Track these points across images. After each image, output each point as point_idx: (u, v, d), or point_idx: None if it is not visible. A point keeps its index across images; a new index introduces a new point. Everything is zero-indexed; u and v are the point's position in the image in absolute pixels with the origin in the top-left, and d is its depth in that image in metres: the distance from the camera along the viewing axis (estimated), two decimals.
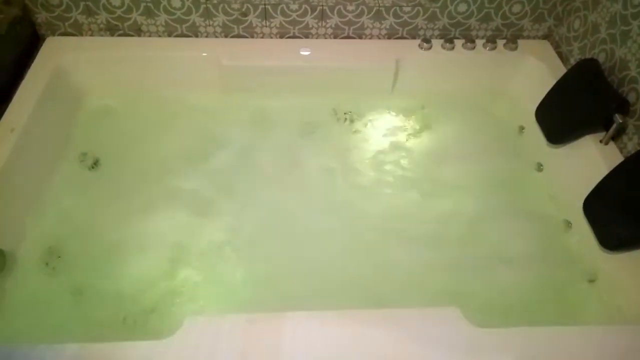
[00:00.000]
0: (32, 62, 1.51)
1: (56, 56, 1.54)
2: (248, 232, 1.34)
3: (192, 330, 0.95)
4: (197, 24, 1.63)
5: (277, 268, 1.27)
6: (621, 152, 1.36)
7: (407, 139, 1.62)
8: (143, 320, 1.14)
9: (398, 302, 1.20)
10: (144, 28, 1.63)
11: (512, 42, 1.69)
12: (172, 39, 1.66)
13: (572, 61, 1.61)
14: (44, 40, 1.60)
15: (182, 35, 1.66)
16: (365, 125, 1.66)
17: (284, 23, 1.65)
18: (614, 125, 1.32)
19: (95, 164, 1.47)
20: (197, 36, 1.67)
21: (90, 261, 1.24)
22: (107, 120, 1.59)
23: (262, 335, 0.95)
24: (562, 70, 1.60)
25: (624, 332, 1.00)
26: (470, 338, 0.97)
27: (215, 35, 1.67)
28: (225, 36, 1.67)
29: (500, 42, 1.70)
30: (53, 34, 1.62)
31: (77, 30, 1.62)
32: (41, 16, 1.57)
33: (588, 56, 1.53)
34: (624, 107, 1.34)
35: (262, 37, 1.69)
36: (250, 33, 1.68)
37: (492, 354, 0.95)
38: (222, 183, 1.45)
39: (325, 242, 1.32)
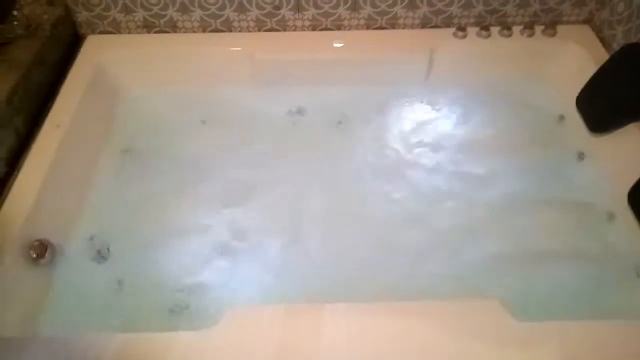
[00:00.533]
0: (74, 60, 1.56)
1: (97, 54, 1.59)
2: (291, 221, 1.35)
3: (233, 321, 0.97)
4: (231, 18, 1.65)
5: (327, 256, 1.27)
6: None
7: (440, 130, 1.59)
8: (187, 310, 1.17)
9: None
10: (179, 24, 1.66)
11: (551, 28, 1.64)
12: (206, 34, 1.68)
13: (615, 46, 1.55)
14: (84, 39, 1.65)
15: (216, 30, 1.68)
16: (401, 116, 1.64)
17: (316, 15, 1.65)
18: None
19: (134, 160, 1.51)
20: (230, 31, 1.69)
21: (135, 251, 1.28)
22: (146, 115, 1.63)
23: (301, 326, 0.97)
24: (604, 56, 1.54)
25: None
26: (510, 331, 0.96)
27: (248, 29, 1.68)
28: (259, 30, 1.69)
29: (539, 29, 1.65)
30: (93, 33, 1.67)
31: (116, 28, 1.67)
32: (81, 15, 1.62)
33: (633, 40, 1.47)
34: None
35: (294, 30, 1.69)
36: (283, 26, 1.68)
37: (532, 347, 0.93)
38: (259, 175, 1.46)
39: (366, 232, 1.33)
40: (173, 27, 1.67)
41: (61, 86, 1.47)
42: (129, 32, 1.68)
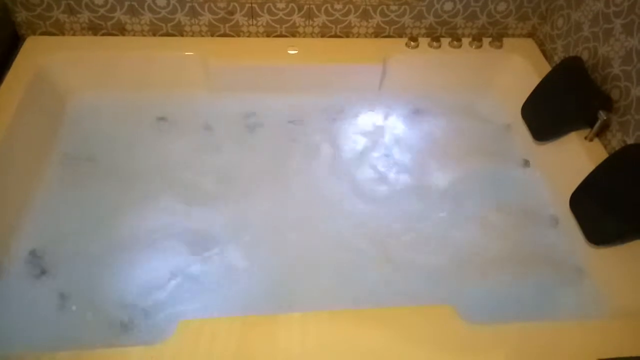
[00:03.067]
0: (12, 62, 1.47)
1: (37, 56, 1.50)
2: (241, 230, 1.33)
3: (186, 334, 0.93)
4: (183, 22, 1.61)
5: (275, 265, 1.26)
6: (605, 148, 1.38)
7: (393, 137, 1.62)
8: (136, 324, 1.12)
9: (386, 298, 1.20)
10: (128, 27, 1.60)
11: (498, 40, 1.71)
12: (157, 38, 1.63)
13: (557, 59, 1.64)
14: (24, 40, 1.56)
15: (167, 34, 1.64)
16: (354, 123, 1.66)
17: (270, 22, 1.64)
18: (598, 122, 1.34)
19: (79, 165, 1.44)
20: (182, 35, 1.65)
21: (79, 264, 1.21)
22: (91, 121, 1.56)
23: (257, 337, 0.95)
24: (546, 68, 1.62)
25: (612, 326, 1.02)
26: (465, 335, 0.98)
27: (201, 34, 1.65)
28: (212, 35, 1.66)
29: (486, 41, 1.72)
30: (34, 34, 1.58)
31: (59, 29, 1.58)
32: (21, 15, 1.53)
33: (572, 54, 1.56)
34: (607, 104, 1.36)
35: (248, 36, 1.68)
36: (236, 32, 1.66)
37: (486, 351, 0.96)
38: (212, 183, 1.43)
39: (311, 237, 1.32)
40: (121, 30, 1.61)
41: None
42: (74, 34, 1.60)
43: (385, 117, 1.68)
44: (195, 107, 1.63)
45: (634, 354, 0.94)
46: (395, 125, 1.66)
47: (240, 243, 1.30)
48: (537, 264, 1.30)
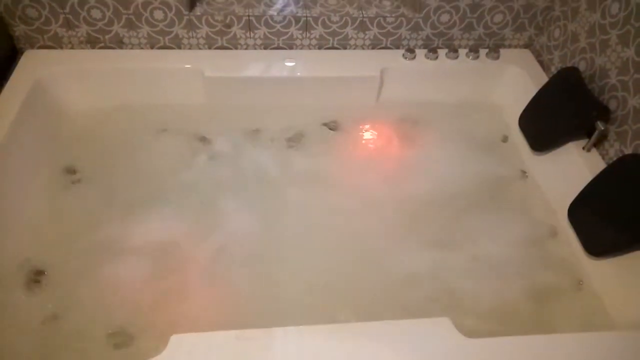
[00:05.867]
0: (10, 76, 1.48)
1: (35, 70, 1.51)
2: (235, 242, 1.32)
3: (179, 350, 0.92)
4: (180, 35, 1.62)
5: (268, 278, 1.25)
6: (603, 158, 1.37)
7: (389, 149, 1.62)
8: (129, 339, 1.11)
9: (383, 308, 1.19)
10: (125, 40, 1.61)
11: (494, 51, 1.71)
12: (154, 51, 1.64)
13: (553, 70, 1.64)
14: (22, 53, 1.57)
15: (165, 47, 1.64)
16: (352, 134, 1.65)
17: (268, 34, 1.65)
18: (596, 133, 1.34)
19: (79, 179, 1.44)
20: (180, 48, 1.65)
21: (71, 277, 1.21)
22: (89, 134, 1.56)
23: (251, 351, 0.93)
24: (543, 78, 1.62)
25: (611, 338, 1.01)
26: (461, 348, 0.96)
27: (198, 47, 1.66)
28: (209, 48, 1.66)
29: (483, 52, 1.72)
30: (32, 47, 1.59)
31: (57, 43, 1.59)
32: (19, 29, 1.54)
33: (569, 65, 1.56)
34: (605, 114, 1.36)
35: (246, 49, 1.68)
36: (234, 45, 1.67)
37: None
38: (209, 195, 1.43)
39: (312, 252, 1.31)
40: (119, 43, 1.62)
41: None
42: (72, 48, 1.61)
43: (383, 128, 1.68)
44: (194, 118, 1.63)
45: None
46: (392, 135, 1.66)
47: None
48: (535, 274, 1.28)
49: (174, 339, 0.93)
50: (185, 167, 1.50)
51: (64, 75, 1.55)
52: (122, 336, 1.12)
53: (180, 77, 1.62)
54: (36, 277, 1.20)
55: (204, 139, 1.58)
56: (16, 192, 1.32)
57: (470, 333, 0.98)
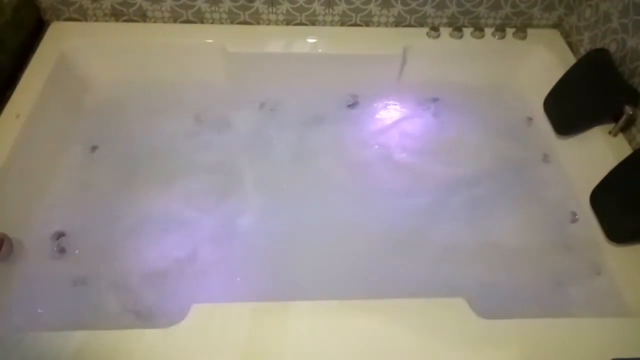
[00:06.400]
0: (37, 47, 1.50)
1: (61, 41, 1.53)
2: (257, 217, 1.34)
3: (198, 319, 0.95)
4: (203, 10, 1.61)
5: (292, 249, 1.27)
6: (630, 144, 1.34)
7: (414, 128, 1.61)
8: (152, 308, 1.15)
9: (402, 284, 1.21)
10: (149, 14, 1.62)
11: (522, 31, 1.67)
12: (177, 25, 1.64)
13: (582, 51, 1.59)
14: (48, 25, 1.59)
15: (188, 21, 1.64)
16: (372, 113, 1.65)
17: (290, 10, 1.63)
18: (624, 117, 1.31)
19: (100, 151, 1.47)
20: (202, 22, 1.65)
21: (99, 247, 1.25)
22: (113, 106, 1.58)
23: (268, 323, 0.96)
24: (571, 60, 1.57)
25: (628, 325, 1.00)
26: (476, 329, 0.97)
27: (221, 21, 1.65)
28: (231, 23, 1.66)
29: (510, 31, 1.68)
30: (58, 19, 1.61)
31: (82, 15, 1.61)
32: (46, 1, 1.56)
33: (599, 46, 1.51)
34: (635, 98, 1.32)
35: (268, 24, 1.67)
36: (256, 20, 1.66)
37: (497, 345, 0.95)
38: (229, 170, 1.45)
39: (334, 232, 1.32)
40: (142, 17, 1.62)
41: (22, 74, 1.41)
42: (96, 20, 1.62)
43: (405, 107, 1.67)
44: (215, 93, 1.64)
45: None
46: (414, 115, 1.64)
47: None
48: (554, 259, 1.28)
49: (194, 308, 0.96)
50: (203, 142, 1.51)
51: (89, 48, 1.56)
52: (146, 303, 1.16)
53: (202, 52, 1.62)
54: (63, 246, 1.24)
55: (223, 114, 1.59)
56: (41, 163, 1.36)
57: (486, 314, 0.98)
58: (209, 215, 1.33)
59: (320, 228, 1.32)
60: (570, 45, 1.66)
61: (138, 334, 0.93)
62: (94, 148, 1.47)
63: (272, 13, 1.64)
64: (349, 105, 1.66)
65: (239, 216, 1.34)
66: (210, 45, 1.61)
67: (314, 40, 1.63)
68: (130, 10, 1.60)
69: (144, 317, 1.13)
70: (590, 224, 1.31)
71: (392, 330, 0.96)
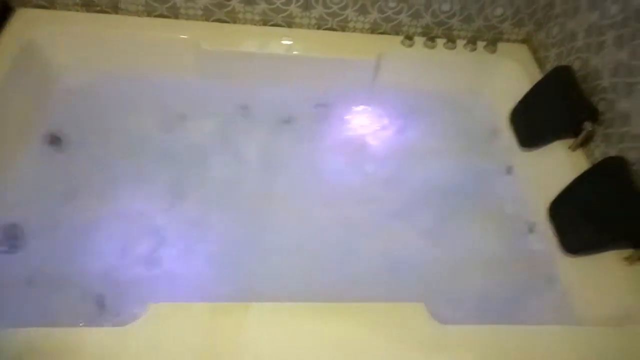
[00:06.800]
0: (1, 34, 1.45)
1: (27, 29, 1.48)
2: (219, 217, 1.33)
3: (154, 318, 0.94)
4: (178, 5, 1.59)
5: (250, 252, 1.27)
6: (588, 159, 1.39)
7: (381, 135, 1.63)
8: (107, 306, 1.13)
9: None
10: (122, 6, 1.59)
11: (492, 44, 1.71)
12: (150, 19, 1.62)
13: (549, 67, 1.64)
14: (14, 11, 1.54)
15: (162, 15, 1.62)
16: (344, 118, 1.66)
17: (267, 10, 1.63)
18: (583, 133, 1.35)
19: (64, 142, 1.43)
20: (177, 18, 1.63)
21: (54, 243, 1.22)
22: (80, 98, 1.55)
23: (226, 324, 0.95)
24: (538, 75, 1.62)
25: (576, 333, 1.04)
26: (434, 334, 0.99)
27: (195, 18, 1.64)
28: (206, 20, 1.64)
29: (481, 44, 1.72)
30: (25, 6, 1.56)
31: (50, 3, 1.56)
32: None
33: (564, 63, 1.56)
34: (594, 115, 1.37)
35: (244, 24, 1.67)
36: (232, 18, 1.65)
37: (454, 350, 0.97)
38: (195, 168, 1.43)
39: (298, 229, 1.33)
40: (115, 8, 1.59)
41: None
42: (66, 9, 1.58)
43: (375, 113, 1.69)
44: (187, 90, 1.62)
45: None
46: (385, 121, 1.67)
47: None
48: (510, 269, 1.31)
49: (152, 307, 0.95)
50: (170, 139, 1.49)
51: (56, 37, 1.52)
52: (100, 301, 1.13)
53: (175, 48, 1.60)
54: (16, 240, 1.21)
55: (193, 112, 1.57)
56: (3, 155, 1.31)
57: (443, 320, 1.00)
58: (170, 215, 1.31)
59: (281, 232, 1.33)
60: (537, 60, 1.71)
61: (91, 332, 0.92)
62: (57, 140, 1.43)
63: (249, 12, 1.63)
64: (321, 109, 1.67)
65: (200, 216, 1.33)
66: (184, 41, 1.59)
67: (290, 42, 1.64)
68: (102, 1, 1.57)
69: (100, 316, 1.11)
70: (547, 235, 1.35)
71: (350, 333, 0.97)
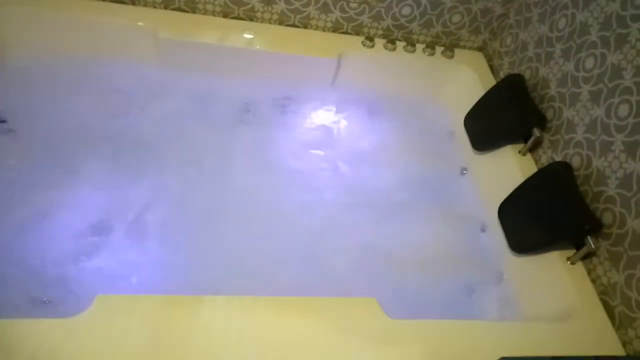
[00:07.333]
0: None
1: None
2: (165, 210, 1.30)
3: (102, 309, 0.90)
4: None
5: (200, 240, 1.25)
6: (536, 163, 1.46)
7: (340, 133, 1.64)
8: (54, 299, 1.07)
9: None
10: None
11: (450, 50, 1.76)
12: (108, 4, 1.56)
13: (502, 74, 1.71)
14: None
15: (120, 1, 1.57)
16: (300, 115, 1.66)
17: (228, 2, 1.61)
18: (532, 138, 1.42)
19: (9, 128, 1.36)
20: (134, 4, 1.58)
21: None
22: (31, 83, 1.47)
23: (177, 317, 0.93)
24: (492, 82, 1.69)
25: (519, 328, 1.08)
26: (384, 328, 1.00)
27: (154, 5, 1.59)
28: (165, 8, 1.61)
29: (439, 49, 1.77)
30: None
31: None
32: None
33: (516, 71, 1.63)
34: (542, 122, 1.44)
35: (204, 14, 1.64)
36: (192, 8, 1.62)
37: (403, 344, 0.99)
38: (149, 157, 1.40)
39: (242, 226, 1.32)
40: None
41: None
42: None
43: (334, 112, 1.70)
44: (142, 79, 1.57)
45: (534, 354, 1.00)
46: (343, 121, 1.68)
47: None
48: (464, 266, 1.35)
49: (98, 298, 0.91)
50: (121, 126, 1.45)
51: (8, 16, 1.44)
52: (47, 294, 1.08)
53: (131, 35, 1.56)
54: None
55: (146, 99, 1.53)
56: None
57: (395, 315, 1.02)
58: (120, 203, 1.27)
59: (237, 225, 1.31)
60: (491, 68, 1.78)
61: (35, 323, 0.87)
62: (4, 127, 1.36)
63: (209, 3, 1.61)
64: (280, 106, 1.66)
65: (150, 205, 1.29)
66: (140, 29, 1.55)
67: (251, 36, 1.62)
68: None
69: (45, 307, 1.05)
70: (497, 235, 1.41)
71: (303, 326, 0.97)
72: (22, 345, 0.84)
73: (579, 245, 1.20)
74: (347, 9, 1.67)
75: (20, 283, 1.09)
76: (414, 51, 1.74)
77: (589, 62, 1.32)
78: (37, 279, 1.10)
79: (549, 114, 1.44)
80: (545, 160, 1.43)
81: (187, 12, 1.62)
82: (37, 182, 1.26)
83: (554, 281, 1.20)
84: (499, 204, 1.38)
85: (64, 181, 1.28)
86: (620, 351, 1.06)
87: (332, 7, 1.65)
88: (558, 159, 1.38)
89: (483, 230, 1.46)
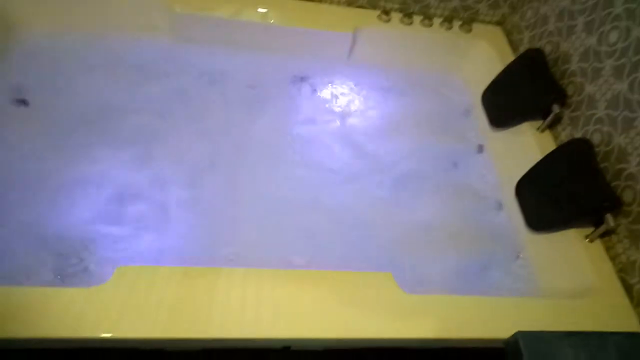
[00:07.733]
0: None
1: None
2: (184, 182, 1.31)
3: (123, 280, 0.92)
4: None
5: (218, 215, 1.25)
6: (555, 140, 1.43)
7: (356, 109, 1.62)
8: (77, 269, 1.10)
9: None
10: None
11: (468, 24, 1.72)
12: None
13: (521, 49, 1.67)
14: None
15: None
16: (316, 90, 1.65)
17: None
18: (551, 115, 1.39)
19: (25, 101, 1.36)
20: None
21: (18, 204, 1.16)
22: (44, 58, 1.47)
23: (196, 288, 0.94)
24: (510, 57, 1.65)
25: (536, 303, 1.08)
26: (400, 302, 1.01)
27: None
28: None
29: (456, 24, 1.73)
30: None
31: None
32: None
33: (536, 46, 1.59)
34: (561, 98, 1.41)
35: None
36: None
37: (419, 318, 0.99)
38: (165, 132, 1.40)
39: (260, 202, 1.32)
40: None
41: None
42: None
43: (350, 87, 1.68)
44: (156, 53, 1.57)
45: (551, 329, 1.00)
46: (359, 95, 1.66)
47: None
48: (480, 243, 1.35)
49: (119, 269, 0.93)
50: (138, 102, 1.45)
51: None
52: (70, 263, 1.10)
53: (146, 10, 1.54)
54: None
55: (162, 76, 1.53)
56: None
57: (411, 290, 1.02)
58: (140, 177, 1.28)
59: (254, 200, 1.31)
60: (510, 42, 1.74)
61: (57, 292, 0.89)
62: (20, 102, 1.36)
63: None
64: (296, 80, 1.64)
65: (170, 181, 1.30)
66: (156, 3, 1.53)
67: (265, 11, 1.60)
68: None
69: (67, 278, 1.07)
70: (514, 213, 1.40)
71: (320, 300, 0.98)
72: (47, 312, 0.86)
73: (597, 223, 1.19)
74: None
75: (41, 254, 1.11)
76: (430, 25, 1.70)
77: (613, 36, 1.28)
78: (58, 248, 1.12)
79: (570, 90, 1.41)
80: (564, 137, 1.41)
81: None
82: (57, 155, 1.27)
83: (571, 259, 1.20)
84: (515, 182, 1.37)
85: (81, 156, 1.29)
86: (638, 328, 1.05)
87: None
88: (578, 135, 1.36)
89: (500, 207, 1.45)
